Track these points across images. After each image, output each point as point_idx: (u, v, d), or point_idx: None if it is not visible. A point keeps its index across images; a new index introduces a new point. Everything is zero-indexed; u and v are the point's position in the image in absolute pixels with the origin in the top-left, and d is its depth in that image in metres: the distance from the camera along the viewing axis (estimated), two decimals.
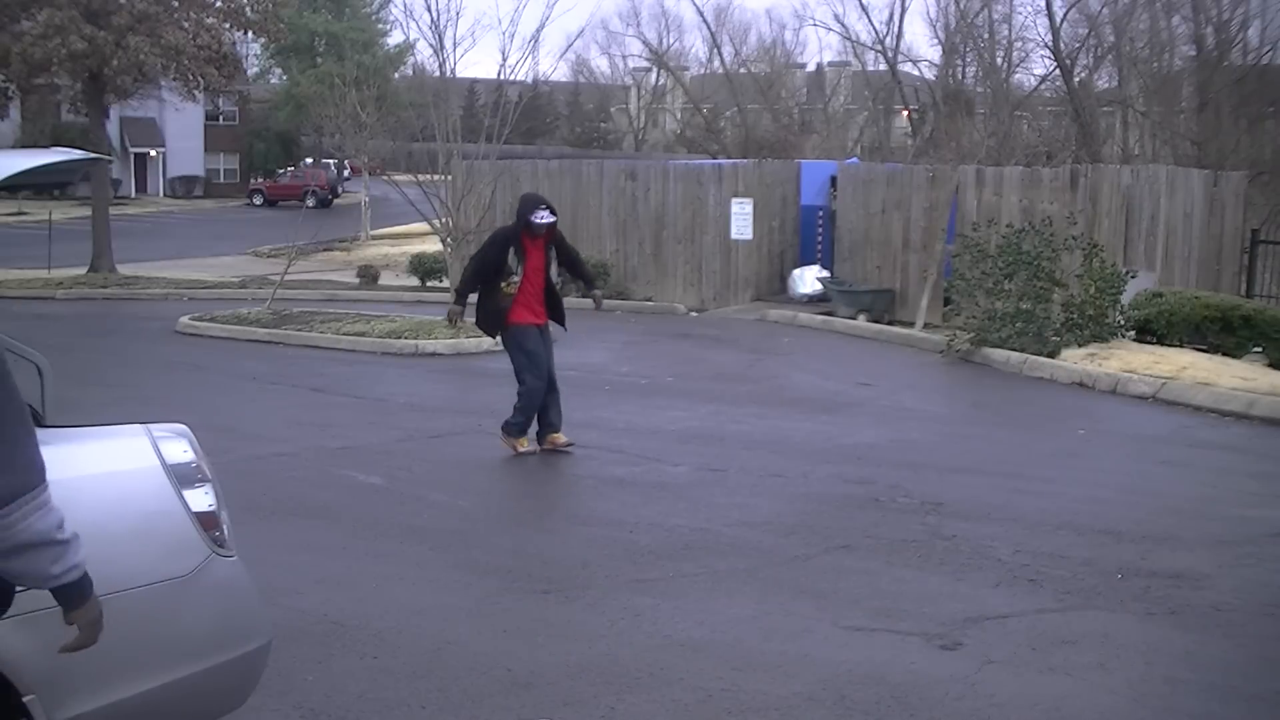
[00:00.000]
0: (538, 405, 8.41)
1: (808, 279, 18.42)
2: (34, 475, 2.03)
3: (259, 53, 58.34)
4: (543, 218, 8.17)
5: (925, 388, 12.18)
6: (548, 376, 8.42)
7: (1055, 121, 36.88)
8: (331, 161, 56.69)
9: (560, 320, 8.73)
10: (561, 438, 8.51)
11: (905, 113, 44.53)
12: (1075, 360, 12.36)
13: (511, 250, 8.22)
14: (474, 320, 8.73)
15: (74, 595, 2.15)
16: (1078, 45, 39.27)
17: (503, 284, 8.26)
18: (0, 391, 2.04)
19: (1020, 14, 56.66)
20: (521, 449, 8.39)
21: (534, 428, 8.57)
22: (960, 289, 14.28)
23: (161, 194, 57.99)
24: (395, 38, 59.58)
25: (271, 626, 3.56)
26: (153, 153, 57.91)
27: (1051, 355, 12.66)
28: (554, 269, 8.54)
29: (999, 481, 7.91)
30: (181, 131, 55.51)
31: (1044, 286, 13.50)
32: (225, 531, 3.30)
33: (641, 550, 6.29)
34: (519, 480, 8.07)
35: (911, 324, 15.80)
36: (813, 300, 18.14)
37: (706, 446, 8.91)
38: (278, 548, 6.14)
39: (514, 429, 8.43)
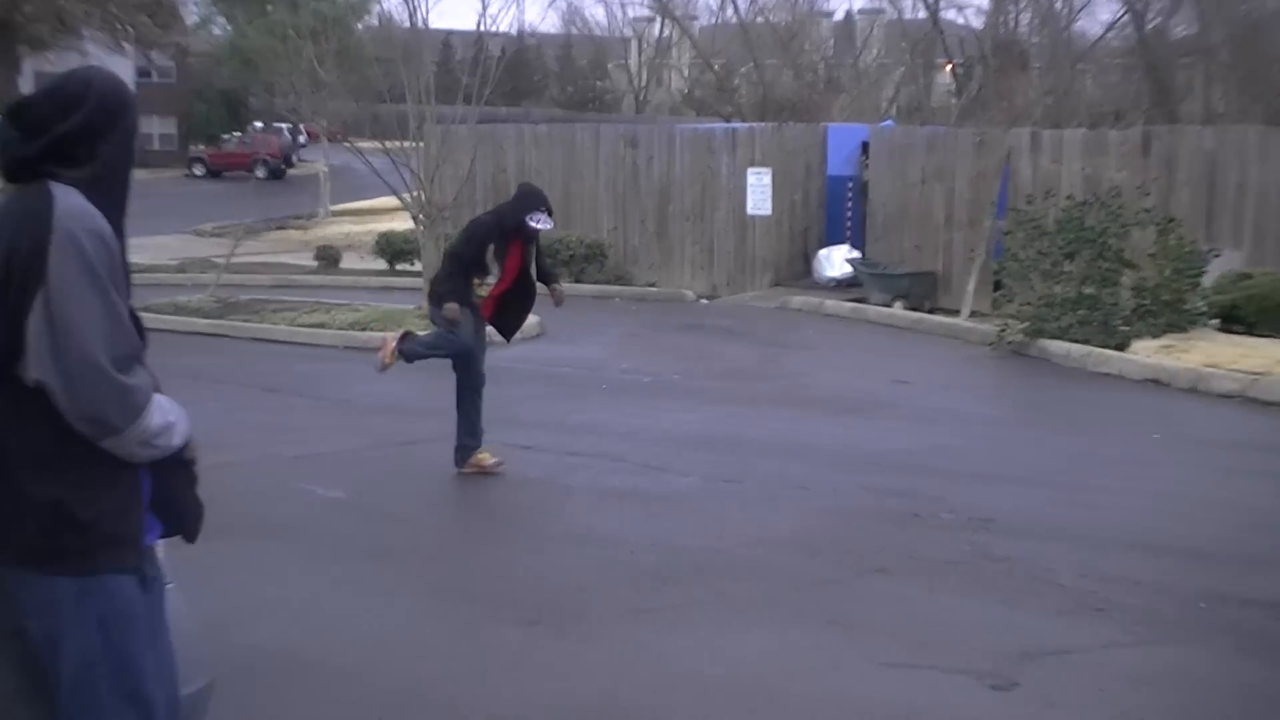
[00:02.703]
0: (453, 353, 8.21)
1: (835, 261, 18.42)
2: (152, 385, 2.87)
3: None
4: (539, 223, 8.08)
5: (972, 386, 12.16)
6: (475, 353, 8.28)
7: (1124, 76, 36.84)
8: (285, 126, 56.58)
9: (509, 330, 8.58)
10: (488, 457, 8.32)
11: (948, 68, 44.47)
12: (1148, 353, 12.35)
13: (491, 249, 8.13)
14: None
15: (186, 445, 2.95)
16: None
17: (475, 281, 8.16)
18: (119, 332, 2.79)
19: None
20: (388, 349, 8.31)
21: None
22: (1013, 271, 14.28)
23: None
24: None
25: (213, 665, 3.55)
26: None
27: (1120, 348, 12.66)
28: (533, 270, 8.37)
29: (1059, 494, 7.90)
30: None
31: (1111, 268, 13.49)
32: (160, 554, 3.29)
33: (644, 573, 6.29)
34: (503, 493, 8.07)
35: (956, 312, 15.80)
36: (841, 285, 18.13)
37: (719, 454, 8.91)
38: (223, 572, 6.14)
39: (411, 350, 8.32)
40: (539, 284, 8.52)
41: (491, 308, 8.35)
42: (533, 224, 8.09)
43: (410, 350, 8.41)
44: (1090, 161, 15.49)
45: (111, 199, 2.84)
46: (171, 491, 2.95)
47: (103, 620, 2.77)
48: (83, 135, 2.81)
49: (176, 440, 2.88)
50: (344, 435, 9.51)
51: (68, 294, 2.68)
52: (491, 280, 8.19)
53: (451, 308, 8.08)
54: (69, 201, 2.75)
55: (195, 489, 3.04)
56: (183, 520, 3.02)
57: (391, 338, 8.50)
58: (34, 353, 2.68)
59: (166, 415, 2.85)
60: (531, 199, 8.23)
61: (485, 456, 8.24)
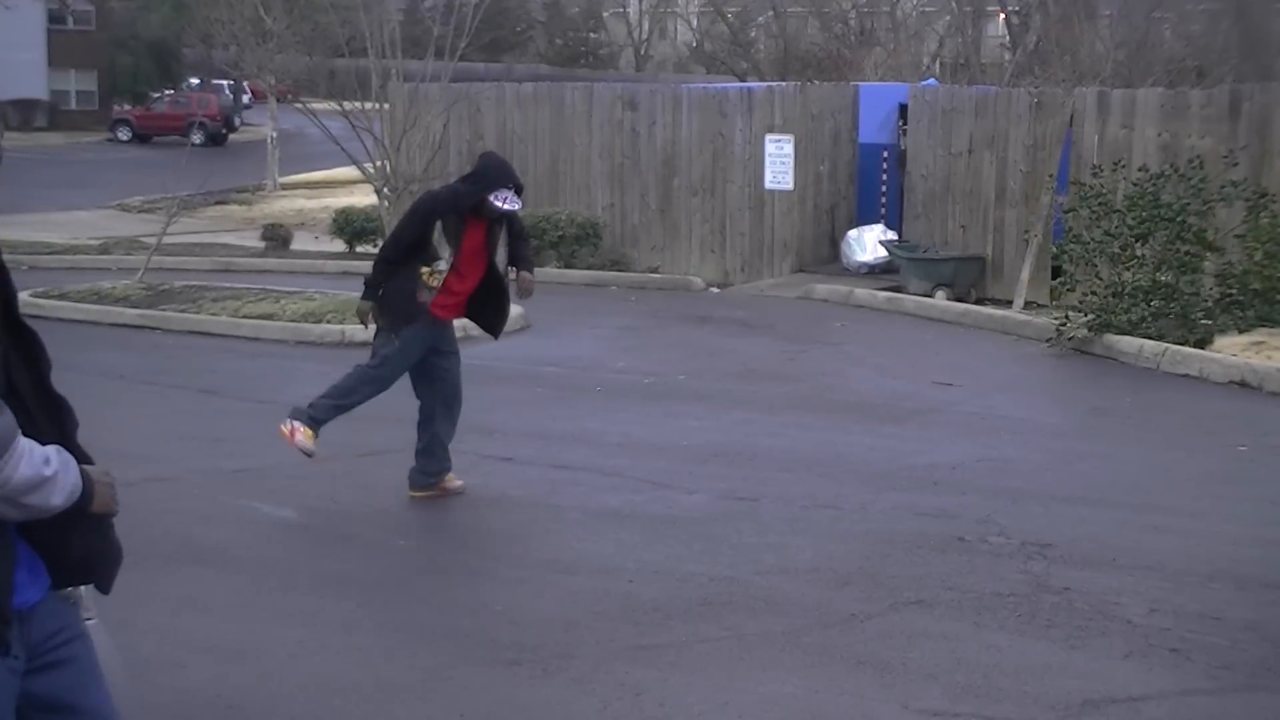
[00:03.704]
0: (357, 400, 8.17)
1: (867, 243, 18.42)
2: (10, 432, 2.72)
3: None
4: (505, 203, 7.90)
5: (1027, 388, 12.18)
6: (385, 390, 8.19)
7: (1210, 25, 36.69)
8: (225, 83, 56.64)
9: (493, 327, 8.53)
10: (455, 480, 8.28)
11: (1002, 16, 44.46)
12: (1234, 351, 12.35)
13: (439, 225, 7.98)
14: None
15: (85, 502, 2.87)
16: None
17: (424, 270, 8.00)
18: None
19: None
20: (300, 441, 8.02)
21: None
22: (1075, 255, 14.28)
23: None
24: None
25: (139, 714, 3.56)
26: None
27: (1201, 344, 12.66)
28: (501, 255, 8.20)
29: (1128, 515, 7.92)
30: (15, 38, 55.13)
31: (1191, 251, 13.49)
32: (80, 586, 3.31)
33: (644, 607, 6.31)
34: (479, 515, 8.08)
35: (1008, 303, 15.81)
36: (874, 271, 18.14)
37: (731, 467, 8.93)
38: (153, 605, 6.15)
39: (314, 413, 8.10)
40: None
41: (455, 305, 8.24)
42: (497, 204, 7.90)
43: (319, 408, 8.13)
44: (1168, 126, 15.48)
45: None
46: (73, 539, 2.90)
47: None
48: None
49: (57, 499, 2.80)
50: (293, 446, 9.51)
51: None
52: (443, 267, 8.00)
53: (363, 309, 8.13)
54: None
55: (109, 535, 3.00)
56: (91, 571, 2.99)
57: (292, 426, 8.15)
58: None
59: (39, 468, 2.76)
60: (495, 174, 8.03)
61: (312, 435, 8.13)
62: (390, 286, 8.10)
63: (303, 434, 8.06)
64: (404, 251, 8.05)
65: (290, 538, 7.48)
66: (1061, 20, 24.92)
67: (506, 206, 7.95)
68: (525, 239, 8.56)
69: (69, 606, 3.05)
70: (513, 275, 8.42)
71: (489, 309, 8.39)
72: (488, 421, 9.94)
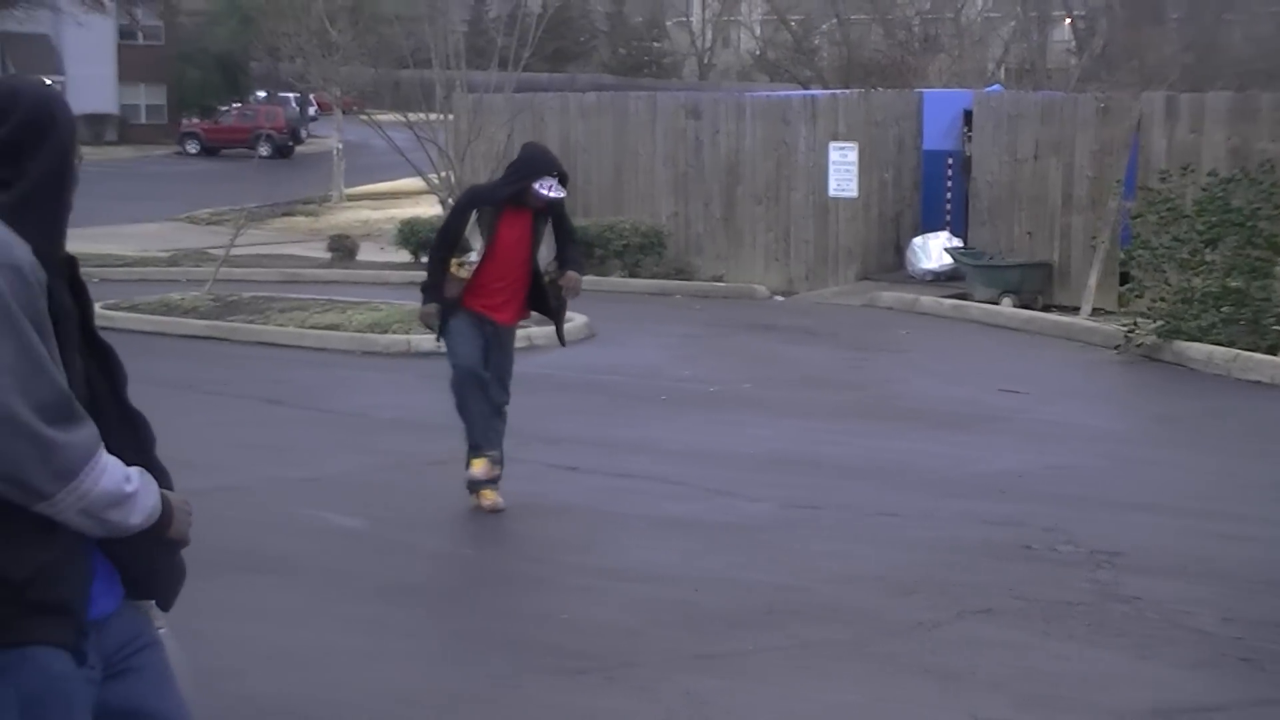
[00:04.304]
0: (469, 404, 7.99)
1: (932, 250, 18.34)
2: (93, 444, 2.75)
3: None
4: (547, 189, 7.82)
5: (1094, 396, 12.08)
6: (479, 374, 8.00)
7: None
8: (292, 96, 57.14)
9: (555, 322, 8.46)
10: (491, 496, 8.08)
11: (1068, 21, 44.17)
12: None
13: (474, 216, 7.90)
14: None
15: (163, 526, 2.90)
16: None
17: (454, 261, 7.94)
18: (39, 378, 2.72)
19: None
20: (475, 472, 7.98)
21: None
22: (1143, 261, 14.17)
23: None
24: None
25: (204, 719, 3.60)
26: (47, 82, 58.50)
27: (1272, 350, 12.54)
28: (544, 252, 8.08)
29: (1198, 523, 7.84)
30: (87, 54, 56.10)
31: (1262, 256, 13.35)
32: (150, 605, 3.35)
33: (708, 615, 6.31)
34: (544, 523, 8.10)
35: (1075, 309, 15.70)
36: (939, 279, 18.04)
37: (795, 475, 8.91)
38: (219, 613, 6.20)
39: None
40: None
41: (505, 305, 8.09)
42: (542, 191, 7.79)
43: (471, 442, 8.11)
44: (1237, 130, 15.33)
45: (43, 226, 2.82)
46: (139, 555, 2.93)
47: (25, 701, 2.73)
48: (7, 153, 2.81)
49: (136, 519, 2.82)
50: (358, 454, 9.57)
51: None
52: (473, 259, 7.89)
53: (427, 311, 8.05)
54: None
55: (174, 554, 3.03)
56: (153, 587, 3.03)
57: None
58: None
59: (120, 484, 2.78)
60: (537, 162, 7.93)
61: (479, 464, 8.03)
62: (421, 287, 8.18)
63: (471, 464, 8.04)
64: (450, 247, 8.03)
65: (355, 546, 7.52)
66: (1128, 23, 24.76)
67: (551, 194, 7.84)
68: (573, 241, 8.35)
69: (142, 615, 3.09)
70: (550, 274, 8.17)
71: (544, 306, 8.32)
72: (552, 430, 9.97)
